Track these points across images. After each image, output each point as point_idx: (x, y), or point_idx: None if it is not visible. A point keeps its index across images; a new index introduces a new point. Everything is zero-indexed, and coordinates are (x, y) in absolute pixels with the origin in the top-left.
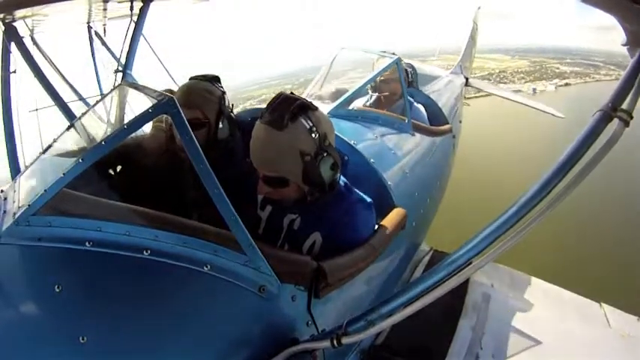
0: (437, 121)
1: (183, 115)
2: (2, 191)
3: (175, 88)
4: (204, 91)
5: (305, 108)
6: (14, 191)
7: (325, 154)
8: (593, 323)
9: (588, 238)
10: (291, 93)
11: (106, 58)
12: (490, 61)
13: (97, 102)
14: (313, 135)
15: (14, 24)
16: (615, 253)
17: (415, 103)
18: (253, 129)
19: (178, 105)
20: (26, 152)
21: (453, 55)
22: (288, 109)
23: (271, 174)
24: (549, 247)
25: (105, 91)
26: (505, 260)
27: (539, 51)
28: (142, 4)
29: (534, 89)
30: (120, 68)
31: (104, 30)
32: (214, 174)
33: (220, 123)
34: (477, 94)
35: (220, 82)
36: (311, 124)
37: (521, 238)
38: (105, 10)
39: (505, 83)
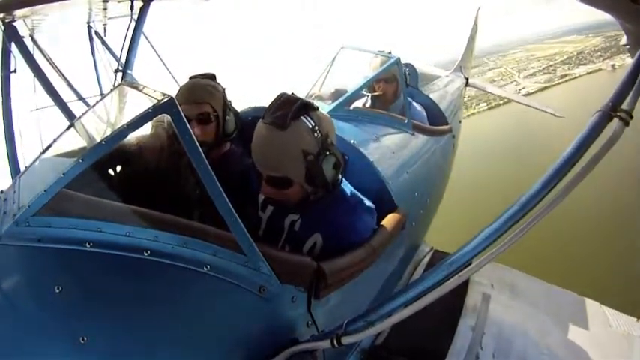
0: (437, 121)
1: (183, 115)
2: (2, 192)
3: (176, 88)
4: (208, 86)
5: (306, 108)
6: (14, 192)
7: (328, 153)
8: (594, 323)
9: (588, 238)
10: (292, 94)
11: (106, 58)
12: (566, 44)
13: (97, 102)
14: (315, 134)
15: (14, 24)
16: (615, 254)
17: (414, 103)
18: (255, 129)
19: (178, 105)
20: (26, 152)
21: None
22: (290, 108)
23: (274, 174)
24: (549, 247)
25: (105, 91)
26: (505, 260)
27: (612, 24)
28: (142, 4)
29: (613, 65)
30: (120, 68)
31: (104, 30)
32: (215, 174)
33: (227, 116)
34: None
35: (217, 80)
36: (313, 124)
37: (521, 238)
38: (105, 9)
39: (585, 64)
